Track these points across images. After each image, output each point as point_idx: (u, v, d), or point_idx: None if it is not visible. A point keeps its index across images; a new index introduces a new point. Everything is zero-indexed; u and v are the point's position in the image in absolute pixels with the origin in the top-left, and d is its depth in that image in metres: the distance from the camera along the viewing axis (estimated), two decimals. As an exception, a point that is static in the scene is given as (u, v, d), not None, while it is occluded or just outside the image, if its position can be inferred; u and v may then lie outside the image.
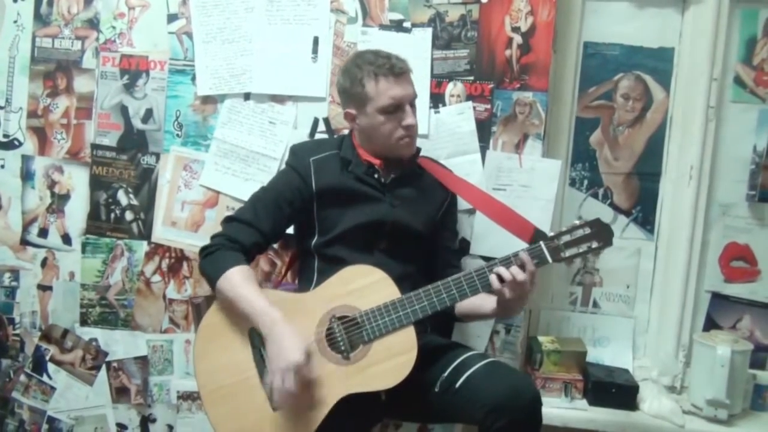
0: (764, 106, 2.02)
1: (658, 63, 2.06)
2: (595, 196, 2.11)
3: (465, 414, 1.48)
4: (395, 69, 1.59)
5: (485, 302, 1.61)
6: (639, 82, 2.07)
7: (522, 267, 1.49)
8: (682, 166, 2.04)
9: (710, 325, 2.07)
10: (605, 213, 2.10)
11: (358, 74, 1.61)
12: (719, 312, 2.08)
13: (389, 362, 1.48)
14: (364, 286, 1.54)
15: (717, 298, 2.07)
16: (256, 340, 1.52)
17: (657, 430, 1.87)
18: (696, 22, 2.01)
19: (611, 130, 2.09)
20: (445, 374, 1.52)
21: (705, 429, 1.86)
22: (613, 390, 1.92)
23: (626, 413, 1.90)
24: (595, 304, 2.13)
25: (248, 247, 1.61)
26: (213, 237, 1.64)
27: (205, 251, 1.62)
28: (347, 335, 1.52)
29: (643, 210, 2.10)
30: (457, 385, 1.48)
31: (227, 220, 1.67)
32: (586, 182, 2.11)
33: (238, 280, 1.53)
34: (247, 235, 1.61)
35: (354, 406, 1.48)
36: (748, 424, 1.91)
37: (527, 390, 1.45)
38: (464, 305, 1.64)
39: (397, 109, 1.60)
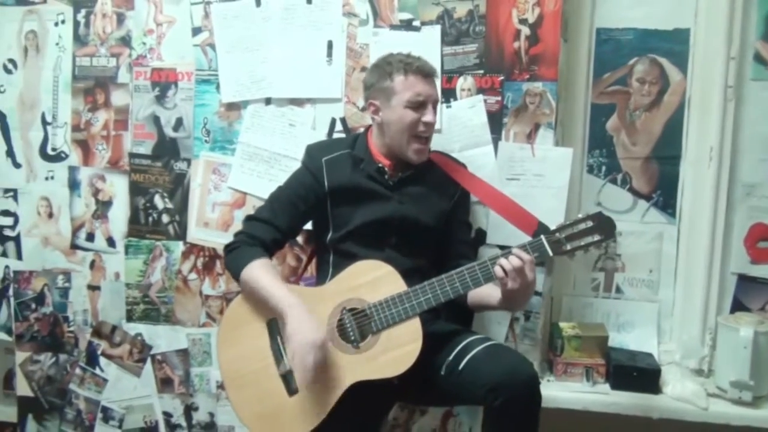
0: (786, 83, 1.98)
1: (673, 45, 2.04)
2: (614, 181, 2.11)
3: (468, 394, 1.55)
4: (424, 69, 1.70)
5: (493, 294, 1.66)
6: (654, 66, 2.06)
7: (521, 258, 1.54)
8: (701, 147, 2.02)
9: (738, 307, 2.04)
10: (625, 198, 2.10)
11: (388, 69, 1.70)
12: (747, 294, 2.04)
13: (396, 351, 1.56)
14: (373, 279, 1.61)
15: (744, 280, 2.04)
16: (275, 331, 1.63)
17: (680, 413, 1.86)
18: (711, 1, 1.98)
19: (627, 115, 2.09)
20: (450, 358, 1.59)
21: (729, 411, 1.85)
22: (635, 374, 1.93)
23: (649, 397, 1.90)
24: (618, 290, 2.13)
25: (267, 243, 1.72)
26: (235, 234, 1.77)
27: (228, 248, 1.74)
28: (357, 326, 1.60)
29: (664, 194, 2.08)
30: (460, 367, 1.55)
31: (247, 219, 1.79)
32: (604, 168, 2.11)
33: (259, 271, 1.64)
34: (265, 231, 1.72)
35: (369, 391, 1.56)
36: (775, 406, 1.89)
37: (523, 369, 1.50)
38: (474, 297, 1.70)
39: (420, 105, 1.68)
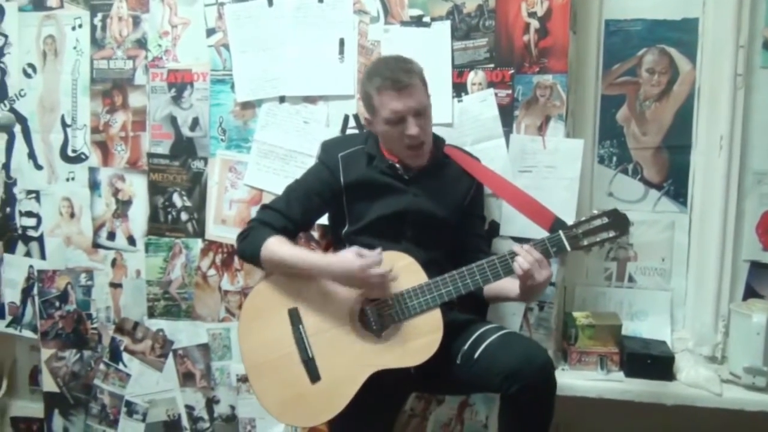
0: (796, 70, 1.98)
1: (682, 35, 2.05)
2: (625, 172, 2.12)
3: (484, 382, 1.58)
4: (398, 84, 1.65)
5: (510, 287, 1.69)
6: (663, 56, 2.07)
7: (542, 253, 1.57)
8: (711, 136, 2.03)
9: (750, 294, 2.05)
10: (636, 188, 2.12)
11: (368, 86, 1.71)
12: (760, 281, 2.06)
13: (417, 341, 1.60)
14: (394, 270, 1.64)
15: (756, 267, 2.05)
16: (296, 319, 1.67)
17: (694, 399, 1.89)
18: (719, -10, 2.00)
19: (638, 105, 2.10)
20: (466, 347, 1.62)
21: (743, 397, 1.87)
22: (649, 361, 1.95)
23: (663, 383, 1.93)
24: (631, 279, 2.15)
25: (278, 230, 1.74)
26: (248, 222, 1.81)
27: (240, 236, 1.77)
28: (378, 315, 1.64)
29: (675, 183, 2.10)
30: (476, 355, 1.59)
31: (262, 208, 1.83)
32: (615, 159, 2.13)
33: (278, 245, 1.68)
34: (277, 219, 1.75)
35: (386, 380, 1.60)
36: (789, 391, 1.90)
37: (538, 356, 1.54)
38: (492, 289, 1.73)
39: (400, 120, 1.68)
